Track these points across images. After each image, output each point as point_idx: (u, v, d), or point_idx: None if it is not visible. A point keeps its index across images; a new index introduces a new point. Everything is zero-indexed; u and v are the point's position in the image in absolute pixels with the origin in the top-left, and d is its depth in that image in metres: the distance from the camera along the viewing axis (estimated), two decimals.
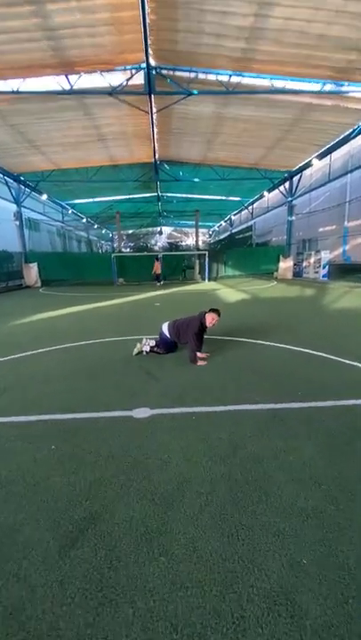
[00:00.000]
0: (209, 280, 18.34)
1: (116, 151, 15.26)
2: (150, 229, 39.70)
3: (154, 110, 10.91)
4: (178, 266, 19.89)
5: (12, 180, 16.68)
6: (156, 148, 15.04)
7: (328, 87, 9.38)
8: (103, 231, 36.51)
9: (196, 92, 9.66)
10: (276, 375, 3.52)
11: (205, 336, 4.20)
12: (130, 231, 40.74)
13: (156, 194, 22.75)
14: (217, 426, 2.58)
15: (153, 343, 4.30)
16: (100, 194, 21.79)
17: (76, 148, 14.49)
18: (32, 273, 17.41)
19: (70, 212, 25.34)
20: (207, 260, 18.52)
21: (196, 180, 18.43)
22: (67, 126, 12.29)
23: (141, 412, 2.81)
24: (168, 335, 4.20)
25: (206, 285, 16.00)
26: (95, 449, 2.25)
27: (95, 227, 32.57)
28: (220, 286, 15.16)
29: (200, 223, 23.80)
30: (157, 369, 3.78)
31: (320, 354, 4.19)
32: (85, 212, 27.98)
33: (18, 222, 17.31)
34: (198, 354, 3.99)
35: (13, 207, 17.48)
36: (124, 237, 42.92)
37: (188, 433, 2.47)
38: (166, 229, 42.61)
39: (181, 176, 18.32)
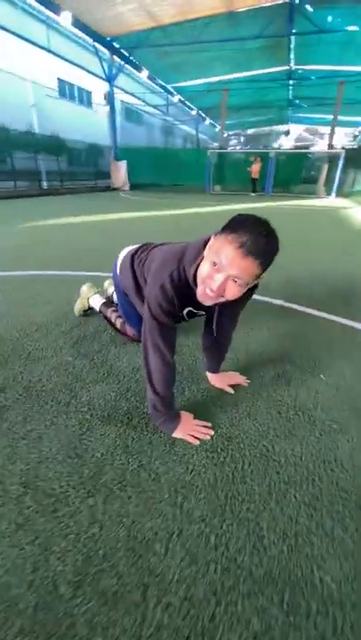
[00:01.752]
0: (337, 195, 13.23)
1: None
2: (274, 128, 31.88)
3: None
4: (295, 172, 14.87)
5: (102, 49, 13.65)
6: None
7: None
8: (217, 129, 30.93)
9: None
10: None
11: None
12: (249, 131, 33.72)
13: (286, 67, 16.52)
14: None
15: (101, 299, 1.86)
16: (211, 69, 16.88)
17: None
18: (121, 172, 15.35)
19: (177, 98, 21.17)
20: (341, 165, 13.08)
21: (356, 28, 11.87)
22: None
23: None
24: (120, 284, 1.51)
25: (329, 202, 11.41)
26: None
27: (207, 122, 27.53)
28: (351, 204, 10.51)
29: (342, 118, 16.79)
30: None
31: None
32: (196, 102, 23.22)
33: (108, 107, 14.73)
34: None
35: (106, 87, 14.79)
36: (241, 138, 36.14)
37: None
38: (296, 129, 33.71)
39: (330, 24, 12.03)
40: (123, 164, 15.28)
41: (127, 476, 0.95)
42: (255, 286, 1.07)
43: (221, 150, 14.91)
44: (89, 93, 16.30)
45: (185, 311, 1.14)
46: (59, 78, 14.41)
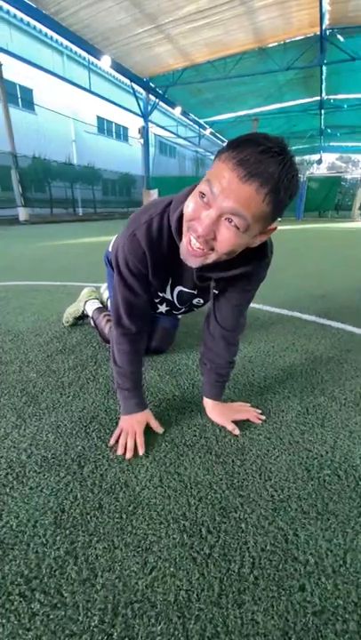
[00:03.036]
0: None
1: (264, 21, 10.70)
2: (306, 158, 32.01)
3: None
4: (328, 198, 14.48)
5: (139, 89, 14.57)
6: (327, 6, 9.74)
7: None
8: None
9: None
10: None
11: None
12: None
13: (317, 98, 16.66)
14: None
15: (97, 304, 1.54)
16: (241, 103, 17.42)
17: (208, 22, 10.79)
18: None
19: (208, 131, 21.96)
20: None
21: None
22: None
23: None
24: (109, 255, 1.18)
25: None
26: None
27: None
28: None
29: None
30: None
31: None
32: (227, 133, 23.99)
33: (142, 140, 15.48)
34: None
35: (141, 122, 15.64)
36: None
37: None
38: (328, 158, 33.64)
39: None
40: (154, 193, 15.76)
41: (42, 572, 0.57)
42: (266, 262, 0.76)
43: None
44: (125, 128, 17.31)
45: (175, 291, 0.89)
46: (98, 116, 15.45)
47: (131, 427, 0.88)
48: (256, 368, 1.29)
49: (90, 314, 1.53)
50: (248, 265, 0.73)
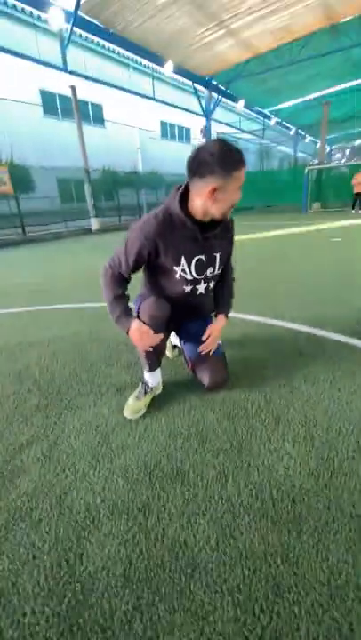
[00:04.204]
0: None
1: None
2: None
3: None
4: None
5: (200, 89, 14.57)
6: None
7: None
8: (318, 145, 29.31)
9: None
10: None
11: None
12: (356, 142, 30.90)
13: None
14: None
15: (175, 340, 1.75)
16: (311, 87, 16.22)
17: (272, 10, 10.26)
18: None
19: (273, 121, 20.94)
20: None
21: None
22: None
23: None
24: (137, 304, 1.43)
25: None
26: None
27: (307, 139, 26.38)
28: None
29: None
30: None
31: None
32: (295, 120, 22.56)
33: (204, 140, 15.47)
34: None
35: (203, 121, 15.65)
36: (346, 151, 33.45)
37: None
38: None
39: None
40: None
41: (114, 624, 0.67)
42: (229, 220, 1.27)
43: (321, 166, 13.83)
44: (188, 130, 17.48)
45: (193, 262, 1.20)
46: (161, 121, 15.88)
47: (138, 336, 1.17)
48: (319, 415, 1.25)
49: (176, 343, 1.73)
50: (220, 223, 1.19)
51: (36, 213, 10.51)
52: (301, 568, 0.75)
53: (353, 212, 10.64)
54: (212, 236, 1.19)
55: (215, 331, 1.39)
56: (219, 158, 0.97)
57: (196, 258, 1.20)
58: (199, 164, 1.00)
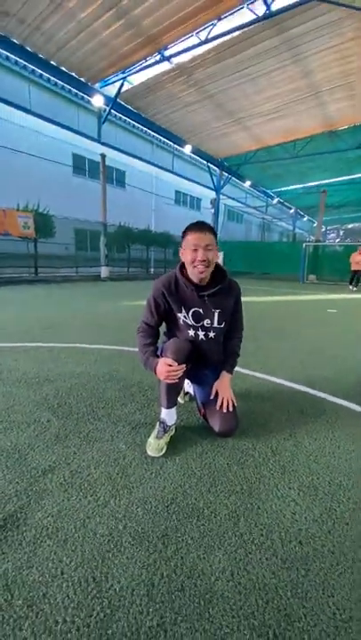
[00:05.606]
0: None
1: (333, 108, 11.71)
2: None
3: None
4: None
5: (213, 167, 16.50)
6: None
7: None
8: (314, 224, 32.14)
9: None
10: None
11: None
12: (350, 225, 33.98)
13: None
14: None
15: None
16: (310, 176, 18.42)
17: (281, 115, 12.17)
18: (218, 262, 16.89)
19: (276, 201, 23.26)
20: None
21: None
22: (267, 83, 10.21)
23: None
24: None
25: None
26: None
27: (305, 218, 28.98)
28: None
29: None
30: None
31: None
32: (294, 202, 25.09)
33: (213, 210, 17.06)
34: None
35: (213, 194, 17.39)
36: (340, 231, 36.50)
37: None
38: None
39: None
40: (220, 255, 16.84)
41: (140, 638, 0.73)
42: (233, 281, 1.55)
43: (318, 243, 15.13)
44: (198, 199, 19.34)
45: (190, 312, 1.49)
46: (176, 190, 17.65)
47: (164, 368, 1.35)
48: (338, 490, 1.36)
49: (188, 390, 1.92)
50: (221, 282, 1.48)
51: (50, 257, 11.15)
52: (310, 602, 0.82)
53: (350, 287, 11.22)
54: (211, 295, 1.47)
55: (222, 390, 1.56)
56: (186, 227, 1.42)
57: (193, 309, 1.50)
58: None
